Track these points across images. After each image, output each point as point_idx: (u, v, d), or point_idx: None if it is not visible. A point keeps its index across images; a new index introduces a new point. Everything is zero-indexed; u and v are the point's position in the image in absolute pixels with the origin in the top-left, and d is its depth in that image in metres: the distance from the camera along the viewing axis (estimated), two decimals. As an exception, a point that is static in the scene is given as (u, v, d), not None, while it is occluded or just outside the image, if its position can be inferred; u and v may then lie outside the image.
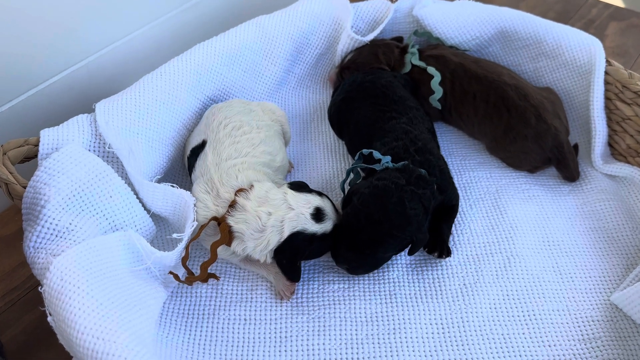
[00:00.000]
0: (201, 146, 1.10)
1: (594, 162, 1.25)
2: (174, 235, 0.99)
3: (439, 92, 1.28)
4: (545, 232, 1.14)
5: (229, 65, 1.27)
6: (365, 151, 1.09)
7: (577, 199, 1.21)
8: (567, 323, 1.00)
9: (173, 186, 1.03)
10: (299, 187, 1.03)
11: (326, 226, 0.99)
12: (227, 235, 0.98)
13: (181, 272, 1.01)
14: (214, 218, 1.00)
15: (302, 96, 1.46)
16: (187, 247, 0.99)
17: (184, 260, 0.99)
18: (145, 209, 1.04)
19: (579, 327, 1.00)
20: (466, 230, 1.14)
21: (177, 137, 1.19)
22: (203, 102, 1.24)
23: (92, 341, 0.78)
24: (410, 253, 1.03)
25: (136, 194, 1.03)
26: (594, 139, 1.25)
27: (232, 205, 0.99)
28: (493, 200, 1.20)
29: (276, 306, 1.03)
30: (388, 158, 1.06)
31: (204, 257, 1.10)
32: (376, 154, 1.07)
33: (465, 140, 1.34)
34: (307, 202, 0.99)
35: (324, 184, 1.25)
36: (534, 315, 1.01)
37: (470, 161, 1.29)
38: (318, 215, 0.99)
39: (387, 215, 0.96)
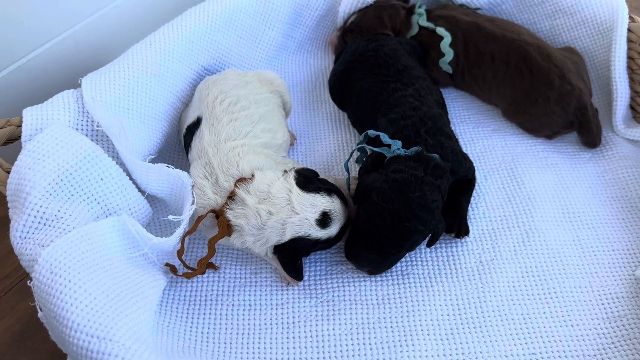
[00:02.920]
0: (197, 124, 1.03)
1: (616, 126, 1.18)
2: (170, 217, 0.92)
3: (449, 54, 1.20)
4: (565, 203, 1.08)
5: (223, 31, 1.18)
6: (371, 133, 1.01)
7: (598, 166, 1.14)
8: (590, 300, 0.95)
9: (168, 166, 0.96)
10: (306, 181, 0.94)
11: (331, 231, 0.93)
12: (226, 229, 0.92)
13: (178, 263, 0.95)
14: (212, 210, 0.94)
15: (302, 62, 1.37)
16: (182, 240, 0.93)
17: (180, 254, 0.93)
18: (139, 190, 0.98)
19: (602, 304, 0.94)
20: (481, 204, 1.08)
21: (171, 111, 1.11)
22: (197, 72, 1.15)
23: (86, 339, 0.73)
24: (429, 245, 0.97)
25: (129, 175, 0.96)
26: (615, 101, 1.17)
27: (232, 197, 0.93)
28: (509, 170, 1.13)
29: (282, 290, 0.98)
30: (399, 143, 0.97)
31: (202, 247, 1.04)
32: (384, 138, 0.98)
33: (477, 106, 1.26)
34: (313, 206, 0.91)
35: (328, 157, 1.18)
36: (555, 293, 0.95)
37: (483, 128, 1.21)
38: (324, 220, 0.91)
39: (413, 212, 0.89)
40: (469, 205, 1.06)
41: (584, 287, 0.96)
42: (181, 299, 0.97)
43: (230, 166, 0.95)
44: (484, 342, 0.90)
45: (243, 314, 0.95)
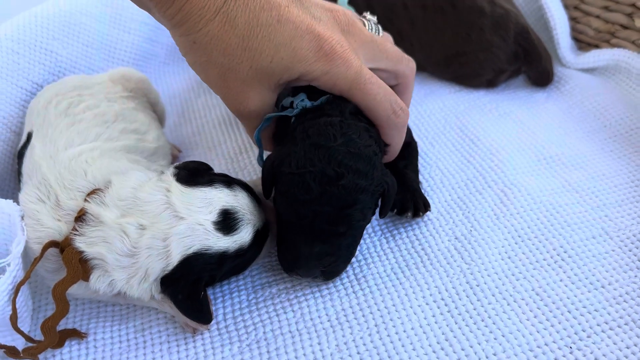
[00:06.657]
0: (27, 143, 0.72)
1: (564, 57, 0.99)
2: (-9, 264, 0.59)
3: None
4: (536, 149, 0.85)
5: (61, 40, 0.91)
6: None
7: (561, 103, 0.93)
8: (614, 250, 0.69)
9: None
10: (192, 174, 0.65)
11: (242, 237, 0.63)
12: (78, 268, 0.60)
13: (19, 339, 0.61)
14: (53, 243, 0.62)
15: (177, 71, 1.11)
16: (13, 297, 0.60)
17: (13, 321, 0.59)
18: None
19: (630, 252, 0.69)
20: (435, 172, 0.82)
21: (-6, 141, 0.81)
22: (29, 92, 0.86)
23: None
24: (383, 213, 0.69)
25: None
26: (555, 30, 0.98)
27: (80, 217, 0.62)
28: (457, 129, 0.89)
29: (187, 343, 0.65)
30: (302, 95, 0.71)
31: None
32: (285, 101, 0.72)
33: (399, 75, 1.04)
34: (206, 204, 0.61)
35: (229, 162, 0.89)
36: (565, 251, 0.69)
37: (413, 96, 0.98)
38: (227, 222, 0.62)
39: (344, 164, 0.61)
40: (419, 177, 0.80)
41: (599, 236, 0.71)
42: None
43: (75, 177, 0.65)
44: (494, 338, 0.61)
45: (130, 393, 0.61)
